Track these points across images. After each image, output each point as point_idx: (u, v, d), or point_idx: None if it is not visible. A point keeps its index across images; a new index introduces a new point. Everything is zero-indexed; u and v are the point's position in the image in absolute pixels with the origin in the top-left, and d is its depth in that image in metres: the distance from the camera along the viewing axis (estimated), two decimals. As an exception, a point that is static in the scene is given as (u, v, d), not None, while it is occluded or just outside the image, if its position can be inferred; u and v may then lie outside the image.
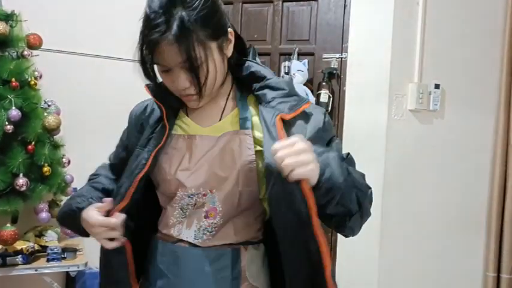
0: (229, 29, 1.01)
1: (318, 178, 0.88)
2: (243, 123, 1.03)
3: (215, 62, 0.97)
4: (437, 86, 2.30)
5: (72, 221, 1.09)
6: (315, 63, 2.44)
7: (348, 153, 1.05)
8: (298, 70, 2.34)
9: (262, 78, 1.05)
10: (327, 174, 0.89)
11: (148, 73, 1.00)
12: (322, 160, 0.90)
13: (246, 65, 1.07)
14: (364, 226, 1.03)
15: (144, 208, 1.09)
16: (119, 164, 1.16)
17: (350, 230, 1.00)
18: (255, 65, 1.07)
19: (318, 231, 0.89)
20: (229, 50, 1.02)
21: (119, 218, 0.99)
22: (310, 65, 2.41)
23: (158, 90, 1.06)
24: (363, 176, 1.02)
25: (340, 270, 2.35)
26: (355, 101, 2.31)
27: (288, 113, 1.00)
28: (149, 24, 0.93)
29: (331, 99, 2.36)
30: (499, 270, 2.47)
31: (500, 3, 2.40)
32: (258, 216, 1.06)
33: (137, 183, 1.03)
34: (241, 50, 1.08)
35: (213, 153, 1.02)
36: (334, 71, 2.37)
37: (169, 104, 1.07)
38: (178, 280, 1.05)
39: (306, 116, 1.03)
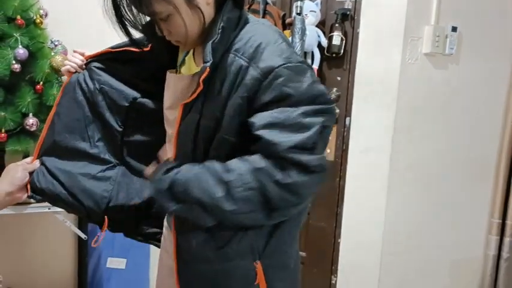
0: None
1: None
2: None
3: (182, 15, 0.95)
4: (454, 29, 2.23)
5: None
6: (328, 4, 2.35)
7: (260, 138, 0.94)
8: (310, 11, 2.26)
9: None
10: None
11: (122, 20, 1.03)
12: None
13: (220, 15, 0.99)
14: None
15: None
16: None
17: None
18: (225, 17, 0.98)
19: None
20: None
21: None
22: (323, 6, 2.33)
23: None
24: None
25: (347, 214, 2.40)
26: (369, 43, 2.24)
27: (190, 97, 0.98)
28: None
29: (344, 41, 2.29)
30: (504, 216, 2.51)
31: None
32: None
33: (106, 51, 1.26)
34: None
35: (188, 93, 1.03)
36: (348, 12, 2.29)
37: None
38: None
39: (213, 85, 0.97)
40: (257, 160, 0.93)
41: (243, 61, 0.95)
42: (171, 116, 1.08)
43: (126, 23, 1.02)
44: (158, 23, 0.98)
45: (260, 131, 0.92)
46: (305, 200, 0.96)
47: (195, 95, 0.97)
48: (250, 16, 1.07)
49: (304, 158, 0.91)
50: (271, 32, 1.01)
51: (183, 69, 1.13)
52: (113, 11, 1.00)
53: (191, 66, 1.11)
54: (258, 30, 1.00)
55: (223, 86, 0.96)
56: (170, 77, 1.12)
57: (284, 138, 0.91)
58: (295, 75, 0.94)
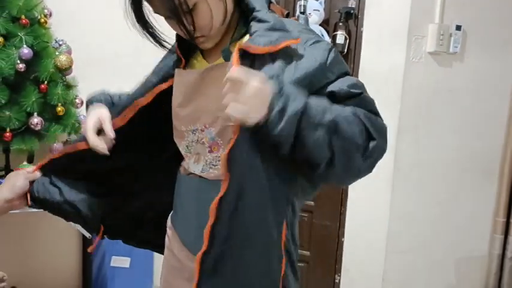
0: None
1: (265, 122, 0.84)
2: (226, 55, 1.00)
3: (208, 2, 0.94)
4: (458, 28, 2.22)
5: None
6: (332, 3, 2.35)
7: (361, 93, 0.95)
8: (314, 9, 2.26)
9: (252, 10, 0.98)
10: (272, 125, 0.84)
11: (143, 19, 1.00)
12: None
13: None
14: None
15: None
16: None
17: (326, 176, 0.93)
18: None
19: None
20: None
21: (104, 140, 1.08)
22: (327, 5, 2.32)
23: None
24: (372, 123, 0.92)
25: (351, 213, 2.39)
26: (373, 42, 2.24)
27: (259, 46, 0.91)
28: None
29: (348, 40, 2.29)
30: (508, 215, 2.50)
31: None
32: None
33: (137, 109, 1.10)
34: None
35: (199, 87, 1.02)
36: (352, 11, 2.28)
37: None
38: (186, 210, 1.12)
39: (291, 55, 0.93)
40: (353, 109, 0.93)
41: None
42: (183, 113, 1.06)
43: (149, 25, 1.01)
44: (183, 17, 0.95)
45: (352, 89, 0.95)
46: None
47: None
48: None
49: None
50: (289, 20, 1.03)
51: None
52: (133, 14, 0.99)
53: (201, 64, 1.09)
54: (279, 19, 1.01)
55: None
56: (180, 73, 1.10)
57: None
58: None
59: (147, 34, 1.03)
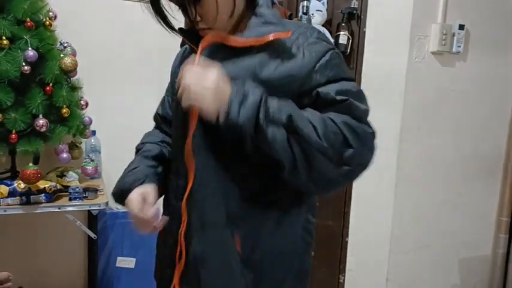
0: None
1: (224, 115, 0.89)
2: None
3: None
4: (461, 27, 2.22)
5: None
6: (334, 3, 2.35)
7: (346, 99, 0.95)
8: (316, 10, 2.27)
9: (255, 6, 1.01)
10: (233, 114, 0.88)
11: (160, 11, 1.02)
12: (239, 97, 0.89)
13: None
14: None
15: None
16: (168, 112, 1.23)
17: (293, 180, 0.94)
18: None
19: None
20: None
21: (155, 216, 1.06)
22: (329, 5, 2.33)
23: (191, 33, 1.06)
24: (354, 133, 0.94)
25: (355, 213, 2.40)
26: (375, 42, 2.24)
27: (241, 38, 0.97)
28: None
29: (350, 40, 2.29)
30: (513, 215, 2.50)
31: None
32: None
33: None
34: None
35: None
36: (354, 11, 2.29)
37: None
38: None
39: (279, 50, 0.96)
40: (330, 114, 0.96)
41: None
42: None
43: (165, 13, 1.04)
44: (191, 7, 0.97)
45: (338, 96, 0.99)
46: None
47: None
48: None
49: None
50: (290, 21, 1.12)
51: None
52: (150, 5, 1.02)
53: None
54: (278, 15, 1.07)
55: None
56: None
57: None
58: None
59: (162, 22, 1.05)
